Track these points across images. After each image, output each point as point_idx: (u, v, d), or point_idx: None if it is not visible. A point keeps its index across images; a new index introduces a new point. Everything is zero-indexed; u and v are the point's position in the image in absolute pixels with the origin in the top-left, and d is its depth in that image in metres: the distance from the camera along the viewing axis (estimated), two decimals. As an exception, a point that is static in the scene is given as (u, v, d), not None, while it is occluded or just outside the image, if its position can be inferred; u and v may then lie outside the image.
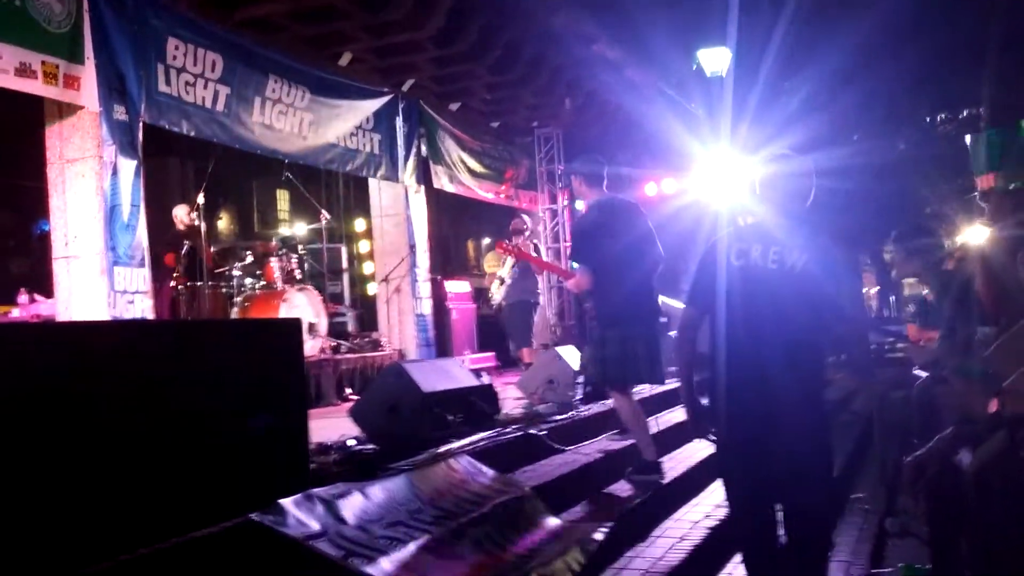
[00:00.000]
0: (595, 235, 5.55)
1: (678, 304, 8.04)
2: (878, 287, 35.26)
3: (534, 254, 9.92)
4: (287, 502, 3.45)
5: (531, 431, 5.82)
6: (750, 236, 3.58)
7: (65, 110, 6.71)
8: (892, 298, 35.97)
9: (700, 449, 6.34)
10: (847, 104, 17.59)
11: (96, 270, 6.63)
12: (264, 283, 9.22)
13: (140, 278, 6.88)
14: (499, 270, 10.46)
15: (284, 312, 8.47)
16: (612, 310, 5.50)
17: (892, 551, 5.51)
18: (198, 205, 8.48)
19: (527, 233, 10.44)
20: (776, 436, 3.40)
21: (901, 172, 19.11)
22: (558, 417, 6.45)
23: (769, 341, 3.41)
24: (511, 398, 7.23)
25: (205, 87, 7.79)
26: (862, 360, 14.27)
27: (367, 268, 15.12)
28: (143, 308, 6.87)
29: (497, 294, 10.43)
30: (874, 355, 15.72)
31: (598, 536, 4.28)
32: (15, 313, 8.79)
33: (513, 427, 5.93)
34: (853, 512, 6.39)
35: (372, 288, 12.92)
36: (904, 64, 16.75)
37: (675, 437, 6.64)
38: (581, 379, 7.17)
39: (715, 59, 13.09)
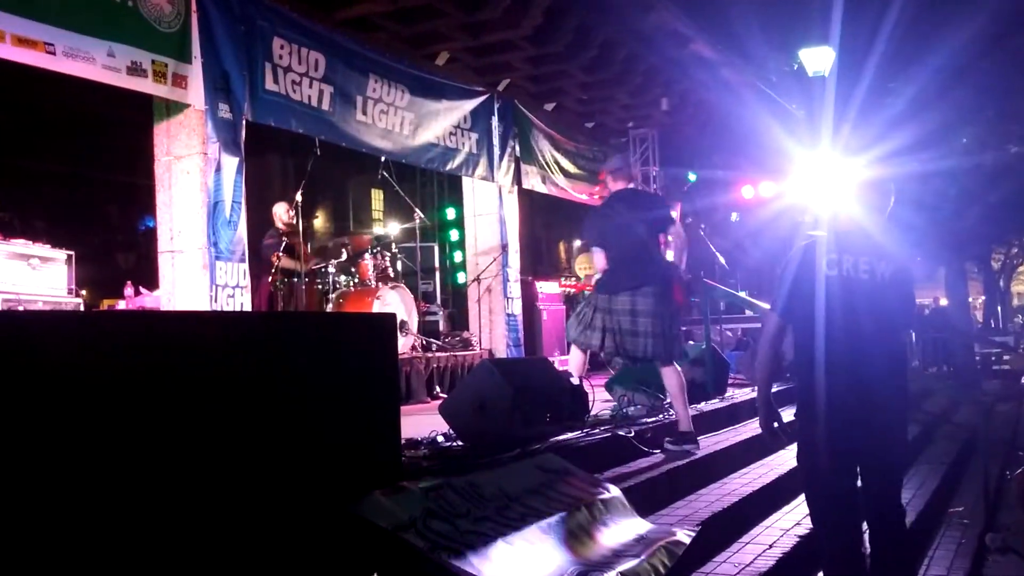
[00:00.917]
0: (608, 215, 6.16)
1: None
2: (983, 296, 34.02)
3: None
4: (379, 494, 3.54)
5: (620, 432, 5.83)
6: (839, 245, 3.65)
7: (172, 108, 6.98)
8: (999, 308, 34.66)
9: (791, 456, 6.25)
10: (956, 103, 17.05)
11: (198, 264, 6.88)
12: (358, 280, 9.40)
13: (240, 272, 7.11)
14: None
15: (377, 309, 8.62)
16: (608, 278, 6.12)
17: (991, 568, 5.35)
18: (297, 203, 8.71)
19: None
20: (876, 444, 3.58)
21: (1012, 175, 18.43)
22: (647, 420, 6.45)
23: (870, 351, 3.52)
24: (600, 399, 7.26)
25: (310, 86, 8.02)
26: (967, 371, 13.86)
27: (459, 268, 15.29)
28: (242, 302, 7.09)
29: None
30: (979, 366, 15.24)
31: (685, 539, 4.28)
32: (121, 305, 9.15)
33: (602, 428, 5.96)
34: (951, 526, 6.21)
35: (463, 288, 13.06)
36: (1017, 61, 16.15)
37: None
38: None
39: (817, 58, 12.84)
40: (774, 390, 3.85)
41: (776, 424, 3.73)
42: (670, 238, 6.62)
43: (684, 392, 6.03)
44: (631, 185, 6.45)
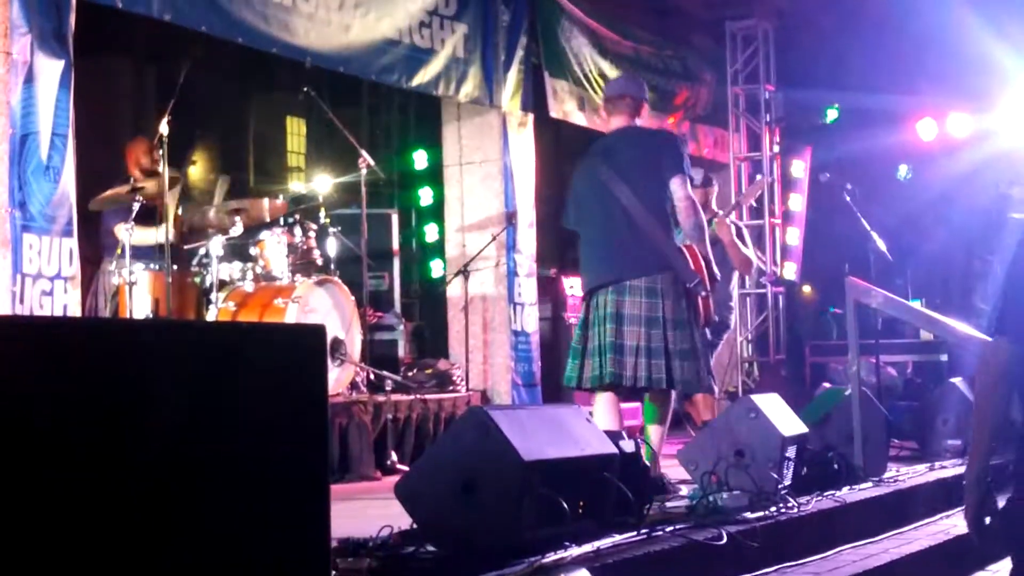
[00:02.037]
0: (577, 177, 7.25)
1: (971, 331, 7.90)
2: None
3: (737, 240, 9.82)
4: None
5: (704, 537, 5.80)
6: None
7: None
8: None
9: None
10: None
11: (-9, 238, 6.87)
12: (262, 270, 9.37)
13: (65, 254, 7.10)
14: None
15: (293, 318, 8.61)
16: (583, 275, 7.14)
17: None
18: (161, 139, 8.67)
19: (715, 202, 10.32)
20: None
21: None
22: (750, 515, 6.41)
23: None
24: (671, 477, 7.19)
25: (186, -61, 8.02)
26: None
27: (433, 252, 15.28)
28: (66, 302, 7.07)
29: None
30: None
31: None
32: None
33: (672, 528, 5.91)
34: None
35: (440, 286, 13.03)
36: None
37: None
38: (792, 449, 7.12)
39: None
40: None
41: (990, 518, 3.73)
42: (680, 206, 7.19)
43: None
44: (635, 122, 7.21)
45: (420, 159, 15.90)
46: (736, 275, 10.16)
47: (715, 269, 7.34)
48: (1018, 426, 3.67)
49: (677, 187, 7.10)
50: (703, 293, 7.03)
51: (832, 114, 15.18)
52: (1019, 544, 3.75)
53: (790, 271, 14.50)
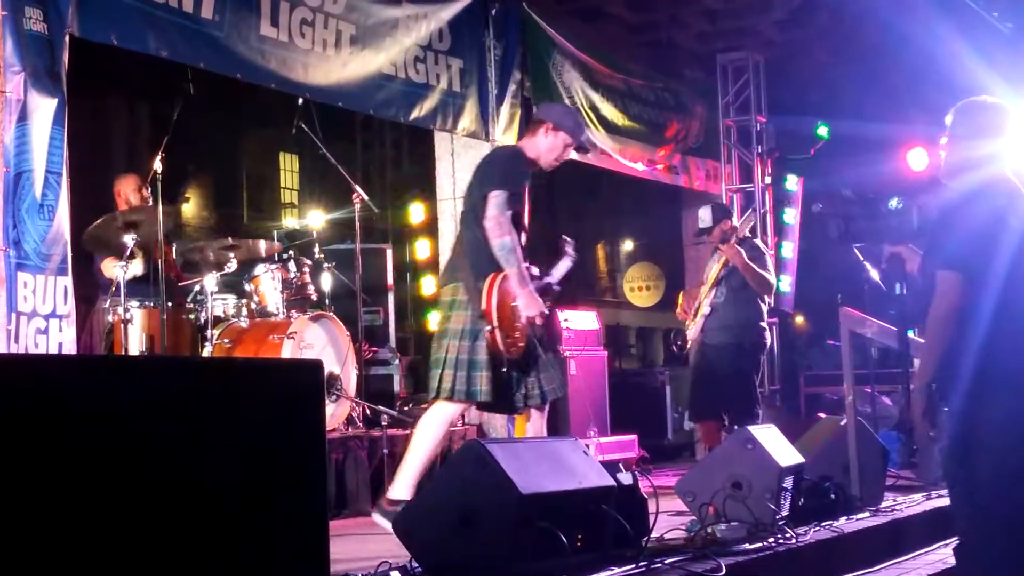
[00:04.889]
0: None
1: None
2: None
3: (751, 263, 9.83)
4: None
5: (702, 569, 5.78)
6: None
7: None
8: None
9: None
10: None
11: (-13, 277, 6.84)
12: (257, 306, 9.36)
13: (60, 292, 7.09)
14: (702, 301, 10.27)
15: (289, 354, 8.61)
16: None
17: None
18: (155, 174, 8.66)
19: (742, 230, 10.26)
20: None
21: None
22: (748, 546, 6.41)
23: None
24: (668, 511, 7.17)
25: (182, -24, 8.03)
26: None
27: (428, 286, 15.26)
28: (61, 340, 7.05)
29: (692, 326, 10.28)
30: None
31: None
32: None
33: (670, 560, 5.91)
34: None
35: (435, 319, 13.01)
36: None
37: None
38: (790, 480, 7.10)
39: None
40: None
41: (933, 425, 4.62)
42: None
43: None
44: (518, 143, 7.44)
45: (416, 195, 15.89)
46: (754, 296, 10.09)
47: (528, 300, 7.10)
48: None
49: (488, 203, 6.96)
50: (488, 328, 6.91)
51: (823, 133, 15.10)
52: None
53: (786, 283, 14.44)
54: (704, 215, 10.12)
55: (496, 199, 6.91)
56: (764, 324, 10.14)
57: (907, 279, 6.61)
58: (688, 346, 10.43)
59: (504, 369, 7.04)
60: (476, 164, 7.57)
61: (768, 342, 10.43)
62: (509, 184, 6.99)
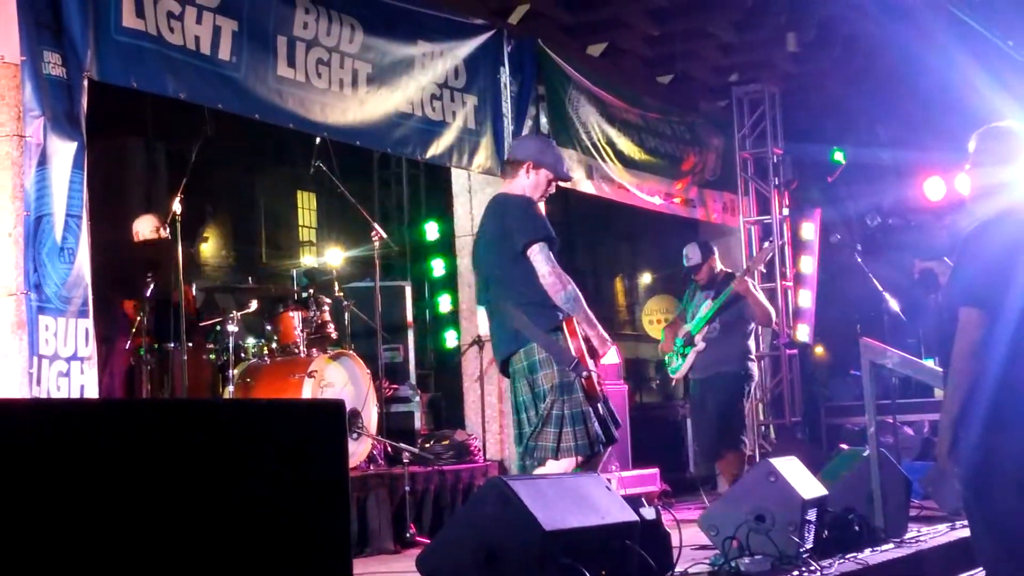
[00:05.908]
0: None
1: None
2: None
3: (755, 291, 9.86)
4: None
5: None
6: None
7: (-41, 58, 7.00)
8: None
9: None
10: None
11: (7, 320, 6.84)
12: (278, 345, 9.38)
13: (81, 335, 7.09)
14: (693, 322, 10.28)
15: (310, 393, 8.61)
16: None
17: None
18: (173, 215, 8.69)
19: (719, 264, 10.34)
20: None
21: None
22: (772, 580, 6.39)
23: None
24: (692, 544, 7.15)
25: (198, 19, 8.08)
26: None
27: (448, 323, 15.25)
28: (83, 383, 7.05)
29: (677, 361, 10.28)
30: None
31: None
32: None
33: (695, 595, 5.89)
34: None
35: (456, 356, 13.00)
36: None
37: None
38: (813, 512, 7.08)
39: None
40: None
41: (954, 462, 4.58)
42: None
43: None
44: (512, 187, 7.13)
45: (432, 231, 15.90)
46: (753, 327, 10.11)
47: (600, 338, 7.01)
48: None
49: (533, 257, 6.72)
50: (584, 374, 6.76)
51: (839, 159, 15.03)
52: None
53: (803, 333, 14.44)
54: (691, 253, 10.09)
55: (540, 254, 6.70)
56: (753, 357, 10.16)
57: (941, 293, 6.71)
58: (672, 384, 10.50)
59: (599, 404, 7.03)
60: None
61: (756, 375, 10.42)
62: (541, 232, 6.75)
